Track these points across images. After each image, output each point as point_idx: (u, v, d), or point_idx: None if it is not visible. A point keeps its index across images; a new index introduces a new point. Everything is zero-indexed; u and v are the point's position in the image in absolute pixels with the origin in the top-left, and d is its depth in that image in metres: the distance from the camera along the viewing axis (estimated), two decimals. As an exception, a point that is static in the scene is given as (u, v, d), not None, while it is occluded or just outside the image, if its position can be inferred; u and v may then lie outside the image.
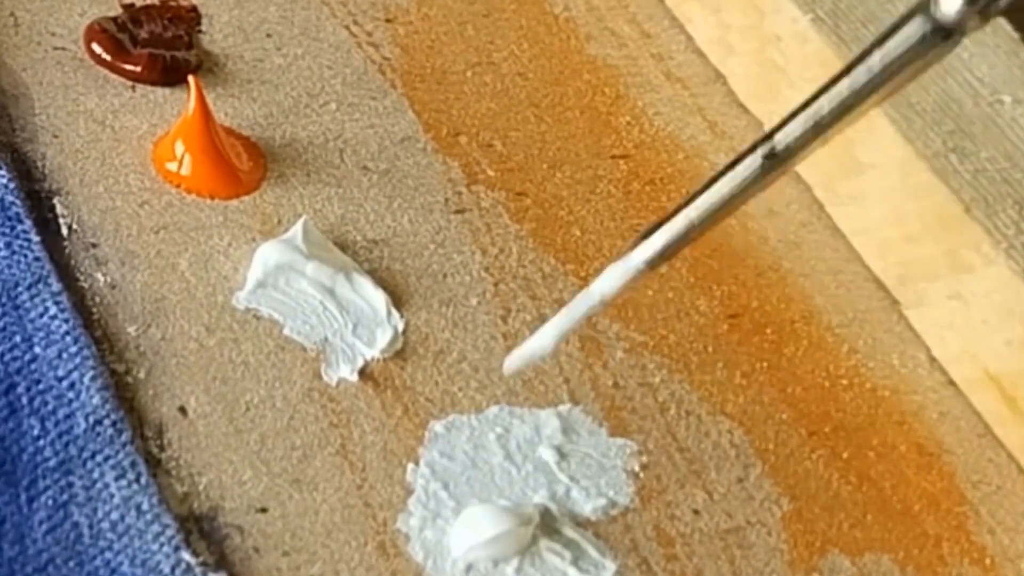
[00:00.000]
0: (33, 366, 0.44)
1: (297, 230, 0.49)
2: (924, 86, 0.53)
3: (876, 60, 0.41)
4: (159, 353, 0.46)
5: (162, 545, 0.41)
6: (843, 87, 0.41)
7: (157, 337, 0.46)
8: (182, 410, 0.44)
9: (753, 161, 0.41)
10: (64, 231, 0.48)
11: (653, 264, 0.43)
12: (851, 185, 0.54)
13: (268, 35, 0.56)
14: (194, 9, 0.56)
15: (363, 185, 0.52)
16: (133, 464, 0.42)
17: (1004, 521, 0.48)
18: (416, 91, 0.56)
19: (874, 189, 0.53)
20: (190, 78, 0.50)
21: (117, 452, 0.42)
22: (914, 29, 0.40)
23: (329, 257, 0.49)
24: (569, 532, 0.44)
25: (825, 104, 0.41)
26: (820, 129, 0.41)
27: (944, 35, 0.40)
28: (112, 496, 0.42)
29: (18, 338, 0.44)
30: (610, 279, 0.43)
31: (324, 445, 0.44)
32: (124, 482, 0.42)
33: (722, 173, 0.42)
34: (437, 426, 0.46)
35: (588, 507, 0.45)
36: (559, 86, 0.57)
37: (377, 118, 0.54)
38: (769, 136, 0.42)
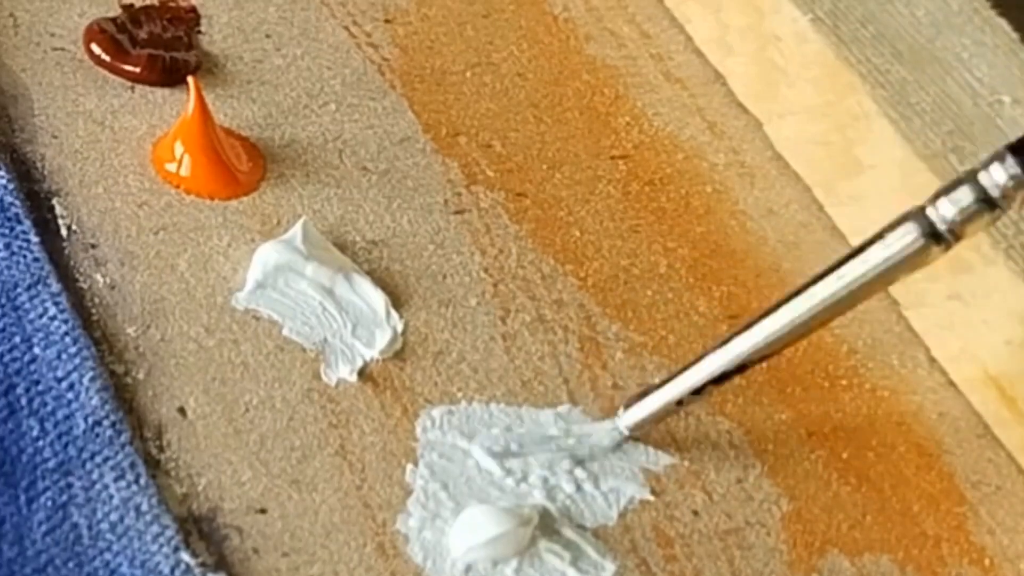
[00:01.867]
0: (32, 367, 0.44)
1: (296, 231, 0.49)
2: (923, 86, 0.53)
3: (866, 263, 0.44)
4: (158, 354, 0.46)
5: (161, 546, 0.41)
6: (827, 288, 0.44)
7: (156, 338, 0.46)
8: (181, 411, 0.44)
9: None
10: (63, 232, 0.48)
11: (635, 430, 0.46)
12: (851, 185, 0.54)
13: (268, 35, 0.56)
14: (193, 10, 0.56)
15: (363, 185, 0.52)
16: (132, 465, 0.42)
17: (1004, 521, 0.48)
18: (416, 91, 0.56)
19: (874, 189, 0.53)
20: (189, 79, 0.50)
21: (116, 453, 0.42)
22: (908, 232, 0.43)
23: (328, 258, 0.49)
24: (568, 533, 0.44)
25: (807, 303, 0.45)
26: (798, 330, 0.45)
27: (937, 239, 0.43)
28: (111, 497, 0.42)
29: (17, 339, 0.44)
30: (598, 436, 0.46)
31: (323, 446, 0.44)
32: (123, 483, 0.42)
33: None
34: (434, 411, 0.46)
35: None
36: (558, 86, 0.57)
37: (377, 118, 0.54)
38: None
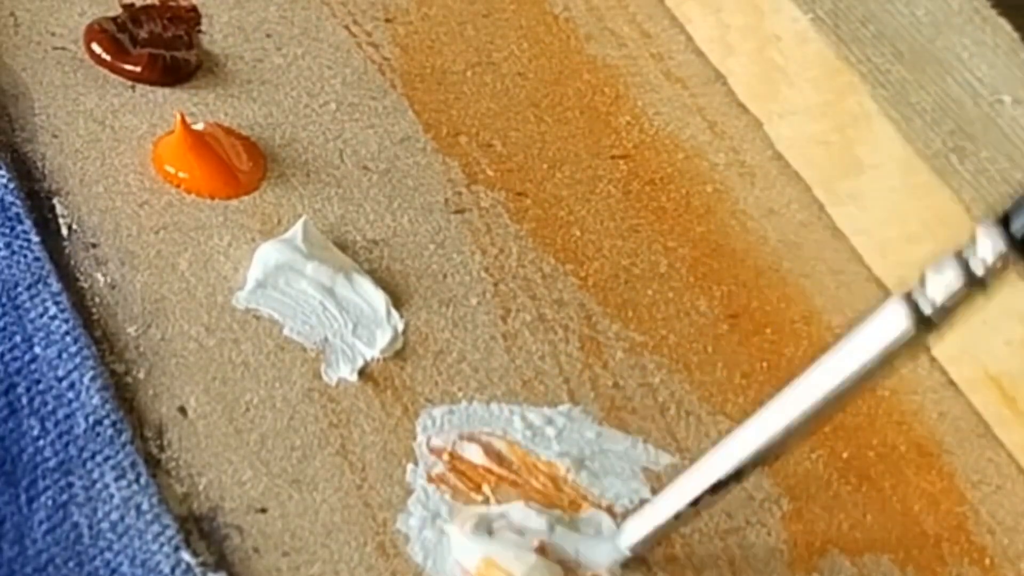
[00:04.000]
0: (33, 366, 0.44)
1: (297, 230, 0.49)
2: (924, 86, 0.53)
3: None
4: (159, 353, 0.46)
5: (162, 545, 0.41)
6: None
7: (157, 337, 0.46)
8: (182, 410, 0.44)
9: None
10: (64, 231, 0.48)
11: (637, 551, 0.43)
12: (851, 185, 0.54)
13: (268, 35, 0.56)
14: (194, 9, 0.56)
15: (363, 185, 0.52)
16: (133, 464, 0.42)
17: (1004, 521, 0.48)
18: (416, 91, 0.56)
19: (874, 189, 0.53)
20: (177, 114, 0.50)
21: (117, 452, 0.42)
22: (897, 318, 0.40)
23: (329, 257, 0.49)
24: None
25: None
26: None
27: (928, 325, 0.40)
28: (112, 496, 0.42)
29: (18, 338, 0.44)
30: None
31: (324, 445, 0.44)
32: (124, 482, 0.42)
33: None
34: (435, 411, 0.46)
35: (588, 507, 0.45)
36: (559, 86, 0.57)
37: (377, 118, 0.54)
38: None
